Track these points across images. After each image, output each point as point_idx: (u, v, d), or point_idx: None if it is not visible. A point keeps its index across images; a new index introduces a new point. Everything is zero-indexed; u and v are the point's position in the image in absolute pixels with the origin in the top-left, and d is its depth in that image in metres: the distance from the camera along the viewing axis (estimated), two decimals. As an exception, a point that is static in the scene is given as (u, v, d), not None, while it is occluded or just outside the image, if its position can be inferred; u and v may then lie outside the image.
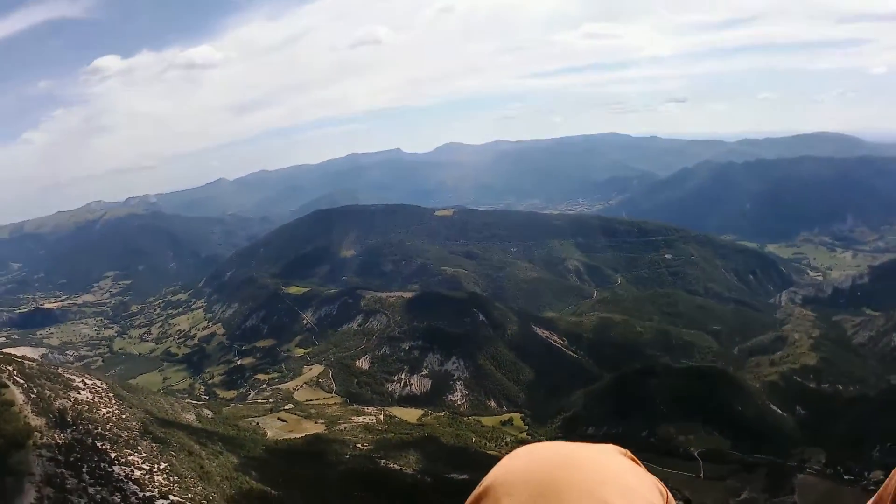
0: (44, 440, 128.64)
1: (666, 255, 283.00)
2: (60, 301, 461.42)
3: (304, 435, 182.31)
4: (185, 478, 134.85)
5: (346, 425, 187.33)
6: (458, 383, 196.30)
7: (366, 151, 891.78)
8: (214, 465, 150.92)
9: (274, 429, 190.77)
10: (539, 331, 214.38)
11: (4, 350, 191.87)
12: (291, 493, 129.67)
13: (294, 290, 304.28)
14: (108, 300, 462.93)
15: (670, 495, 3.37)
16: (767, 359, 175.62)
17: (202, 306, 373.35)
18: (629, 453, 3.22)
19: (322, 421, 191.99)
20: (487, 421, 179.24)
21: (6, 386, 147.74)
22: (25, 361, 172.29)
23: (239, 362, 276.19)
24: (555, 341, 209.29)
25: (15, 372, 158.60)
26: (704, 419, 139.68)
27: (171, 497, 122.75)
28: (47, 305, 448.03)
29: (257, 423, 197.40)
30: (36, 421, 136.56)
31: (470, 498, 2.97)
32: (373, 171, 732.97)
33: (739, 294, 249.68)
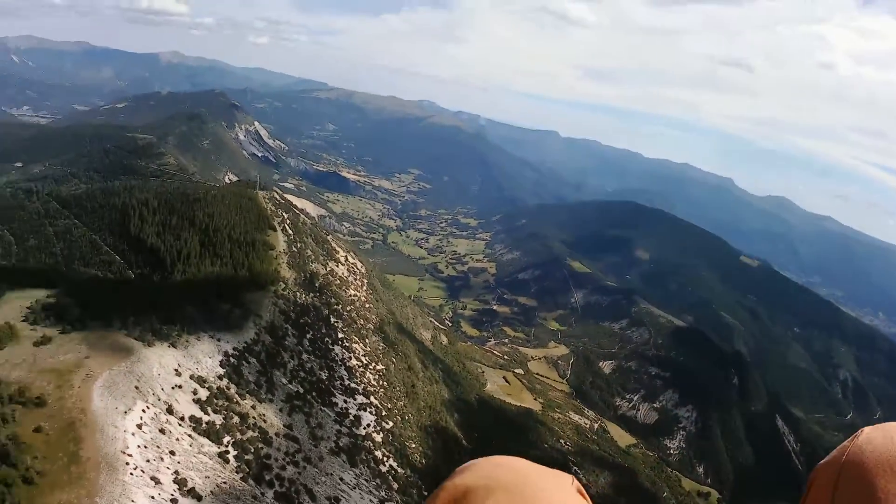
0: (285, 292, 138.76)
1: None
2: (359, 175, 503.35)
3: (518, 404, 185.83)
4: (393, 388, 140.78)
5: (560, 416, 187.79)
6: (681, 433, 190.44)
7: (700, 168, 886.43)
8: (425, 390, 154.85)
9: (495, 384, 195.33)
10: (780, 423, 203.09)
11: (288, 196, 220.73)
12: (480, 451, 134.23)
13: (577, 265, 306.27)
14: (403, 194, 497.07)
15: None
16: None
17: (485, 239, 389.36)
18: (581, 489, 3.40)
19: (541, 400, 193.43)
20: (687, 484, 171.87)
21: (274, 230, 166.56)
22: (301, 216, 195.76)
23: (495, 307, 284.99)
24: (789, 442, 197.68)
25: (287, 220, 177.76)
26: None
27: (372, 399, 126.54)
28: (345, 174, 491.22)
29: (482, 372, 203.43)
30: (286, 272, 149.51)
31: (447, 498, 3.15)
32: (698, 189, 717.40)
33: None
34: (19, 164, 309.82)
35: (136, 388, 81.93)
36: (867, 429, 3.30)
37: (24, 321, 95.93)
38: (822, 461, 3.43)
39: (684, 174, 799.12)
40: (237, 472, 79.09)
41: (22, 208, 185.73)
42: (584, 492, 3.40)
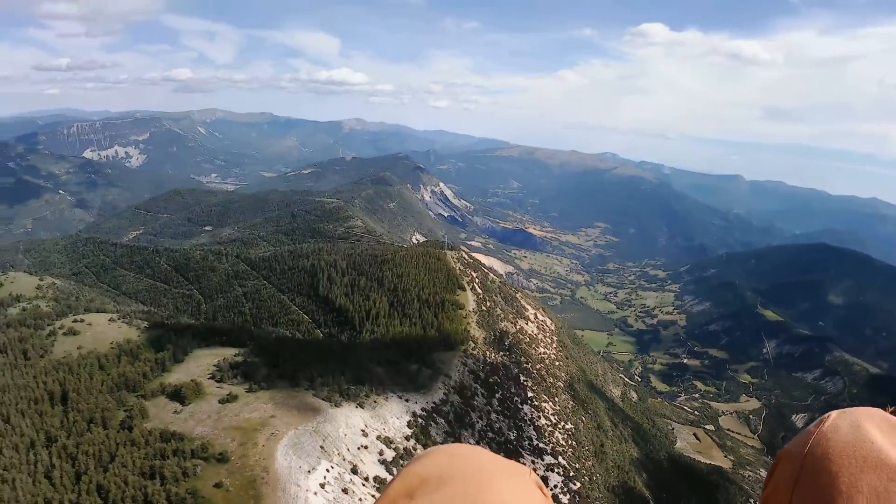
0: (475, 351, 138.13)
1: None
2: (545, 231, 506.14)
3: (708, 462, 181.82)
4: (582, 447, 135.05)
5: (751, 473, 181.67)
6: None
7: (889, 202, 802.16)
8: (614, 448, 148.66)
9: (685, 441, 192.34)
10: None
11: (475, 255, 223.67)
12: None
13: (769, 314, 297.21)
14: (590, 248, 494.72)
15: None
16: None
17: (674, 291, 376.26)
18: (540, 483, 3.45)
19: (731, 457, 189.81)
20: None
21: (463, 289, 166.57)
22: (490, 274, 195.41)
23: (685, 361, 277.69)
24: None
25: (476, 279, 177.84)
26: None
27: (560, 459, 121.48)
28: (531, 230, 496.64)
29: (672, 428, 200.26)
30: (476, 332, 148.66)
31: (400, 487, 3.19)
32: (889, 225, 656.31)
33: None
34: (208, 228, 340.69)
35: (322, 447, 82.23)
36: (834, 414, 3.27)
37: (210, 378, 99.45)
38: (785, 447, 3.42)
39: (874, 210, 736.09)
40: (420, 535, 75.55)
41: (212, 270, 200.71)
42: (542, 486, 3.43)
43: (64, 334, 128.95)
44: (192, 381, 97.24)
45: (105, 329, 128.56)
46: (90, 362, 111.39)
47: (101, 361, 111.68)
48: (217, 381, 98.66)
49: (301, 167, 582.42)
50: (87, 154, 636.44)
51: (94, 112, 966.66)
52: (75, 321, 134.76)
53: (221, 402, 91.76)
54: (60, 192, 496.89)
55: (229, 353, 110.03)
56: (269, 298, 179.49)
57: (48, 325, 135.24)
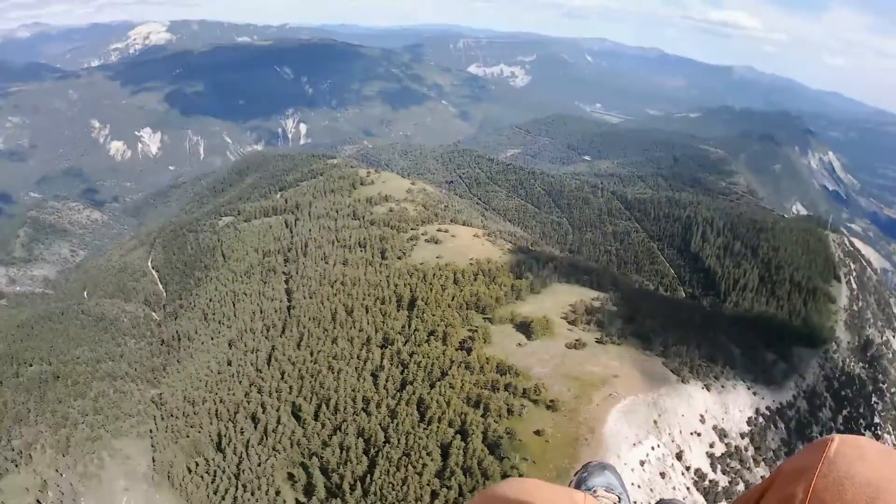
0: (835, 355, 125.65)
1: None
2: None
3: None
4: None
5: None
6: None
7: None
8: None
9: None
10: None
11: (854, 240, 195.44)
12: None
13: None
14: None
15: None
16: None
17: None
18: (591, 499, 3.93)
19: None
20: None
21: (838, 280, 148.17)
22: (867, 269, 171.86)
23: None
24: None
25: (854, 272, 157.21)
26: None
27: None
28: None
29: None
30: (841, 333, 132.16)
31: None
32: None
33: None
34: (587, 158, 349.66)
35: (655, 422, 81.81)
36: (838, 439, 3.39)
37: (562, 318, 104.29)
38: (786, 462, 3.56)
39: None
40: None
41: (585, 202, 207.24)
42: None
43: (426, 241, 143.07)
44: (543, 316, 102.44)
45: (467, 243, 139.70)
46: (445, 274, 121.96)
47: (456, 276, 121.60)
48: (569, 323, 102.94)
49: (687, 110, 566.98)
50: (472, 69, 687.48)
51: (479, 30, 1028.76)
52: (439, 230, 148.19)
53: (568, 346, 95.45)
54: (443, 102, 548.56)
55: (588, 295, 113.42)
56: (637, 243, 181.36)
57: (411, 228, 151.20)
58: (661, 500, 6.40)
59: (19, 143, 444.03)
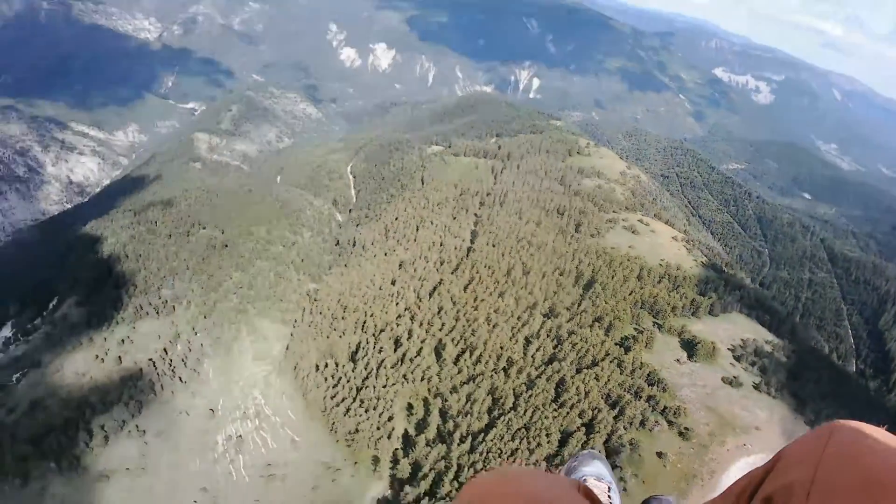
0: None
1: None
2: None
3: None
4: None
5: None
6: None
7: None
8: None
9: None
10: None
11: None
12: None
13: None
14: None
15: None
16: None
17: None
18: (591, 492, 3.91)
19: None
20: None
21: None
22: None
23: None
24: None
25: None
26: None
27: None
28: None
29: None
30: None
31: None
32: None
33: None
34: (807, 196, 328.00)
35: None
36: (841, 425, 3.41)
37: (729, 349, 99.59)
38: (788, 447, 3.57)
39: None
40: None
41: (792, 240, 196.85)
42: (591, 492, 3.82)
43: (623, 227, 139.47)
44: (711, 342, 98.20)
45: (663, 242, 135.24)
46: (632, 267, 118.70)
47: (641, 271, 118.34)
48: (734, 357, 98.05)
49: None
50: (718, 72, 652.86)
51: (734, 34, 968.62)
52: (640, 220, 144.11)
53: (724, 380, 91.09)
54: (681, 96, 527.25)
55: (763, 335, 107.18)
56: (828, 299, 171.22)
57: (613, 211, 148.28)
58: (650, 496, 6.38)
59: (255, 27, 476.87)
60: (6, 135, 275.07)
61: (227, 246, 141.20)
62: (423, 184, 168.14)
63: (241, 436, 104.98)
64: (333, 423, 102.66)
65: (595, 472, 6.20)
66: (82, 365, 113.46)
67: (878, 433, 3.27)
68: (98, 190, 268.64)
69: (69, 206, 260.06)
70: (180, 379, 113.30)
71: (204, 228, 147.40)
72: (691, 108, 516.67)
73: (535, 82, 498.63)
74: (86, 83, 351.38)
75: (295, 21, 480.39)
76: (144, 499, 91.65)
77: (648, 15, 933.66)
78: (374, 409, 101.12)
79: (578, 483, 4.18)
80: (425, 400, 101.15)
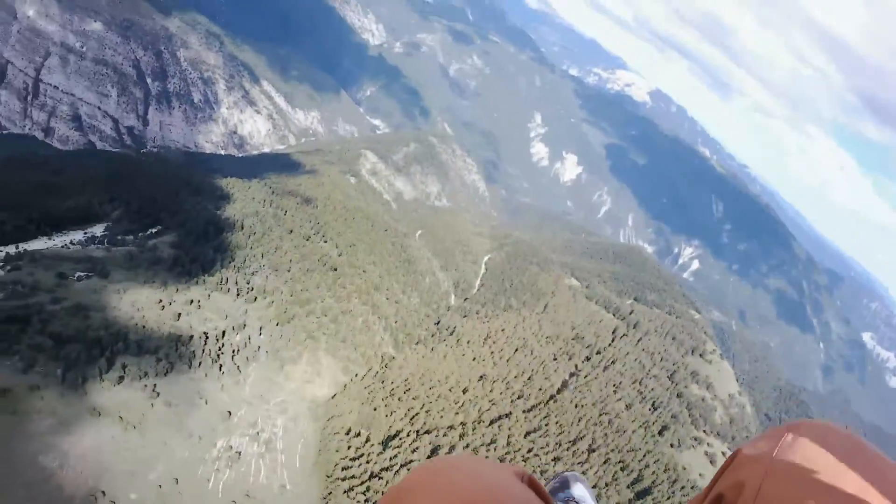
0: None
1: None
2: None
3: None
4: None
5: None
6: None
7: None
8: None
9: None
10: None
11: None
12: None
13: None
14: None
15: None
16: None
17: None
18: (535, 480, 3.82)
19: None
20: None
21: None
22: None
23: None
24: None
25: None
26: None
27: None
28: None
29: None
30: None
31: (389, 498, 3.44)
32: None
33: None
34: None
35: None
36: (800, 425, 3.43)
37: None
38: (746, 445, 3.57)
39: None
40: None
41: None
42: (536, 482, 3.77)
43: (705, 452, 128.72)
44: None
45: None
46: (692, 496, 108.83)
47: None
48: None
49: None
50: (866, 337, 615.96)
51: None
52: (723, 452, 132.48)
53: None
54: (821, 345, 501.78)
55: None
56: None
57: (703, 431, 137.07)
58: (561, 473, 6.46)
59: (468, 81, 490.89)
60: (201, 59, 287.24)
61: (336, 269, 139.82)
62: (544, 310, 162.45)
63: (240, 453, 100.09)
64: (330, 493, 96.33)
65: (578, 495, 6.06)
66: (143, 300, 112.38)
67: (839, 433, 3.26)
68: (255, 153, 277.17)
69: (223, 152, 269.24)
70: (220, 367, 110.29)
71: (325, 242, 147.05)
72: (824, 361, 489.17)
73: (695, 264, 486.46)
74: (293, 51, 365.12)
75: (506, 93, 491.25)
76: (118, 456, 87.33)
77: (826, 247, 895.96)
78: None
79: (523, 472, 3.93)
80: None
